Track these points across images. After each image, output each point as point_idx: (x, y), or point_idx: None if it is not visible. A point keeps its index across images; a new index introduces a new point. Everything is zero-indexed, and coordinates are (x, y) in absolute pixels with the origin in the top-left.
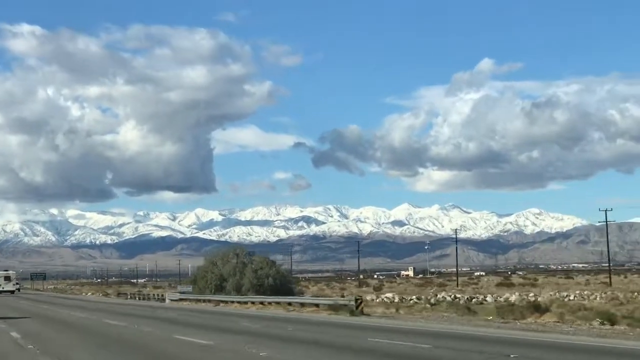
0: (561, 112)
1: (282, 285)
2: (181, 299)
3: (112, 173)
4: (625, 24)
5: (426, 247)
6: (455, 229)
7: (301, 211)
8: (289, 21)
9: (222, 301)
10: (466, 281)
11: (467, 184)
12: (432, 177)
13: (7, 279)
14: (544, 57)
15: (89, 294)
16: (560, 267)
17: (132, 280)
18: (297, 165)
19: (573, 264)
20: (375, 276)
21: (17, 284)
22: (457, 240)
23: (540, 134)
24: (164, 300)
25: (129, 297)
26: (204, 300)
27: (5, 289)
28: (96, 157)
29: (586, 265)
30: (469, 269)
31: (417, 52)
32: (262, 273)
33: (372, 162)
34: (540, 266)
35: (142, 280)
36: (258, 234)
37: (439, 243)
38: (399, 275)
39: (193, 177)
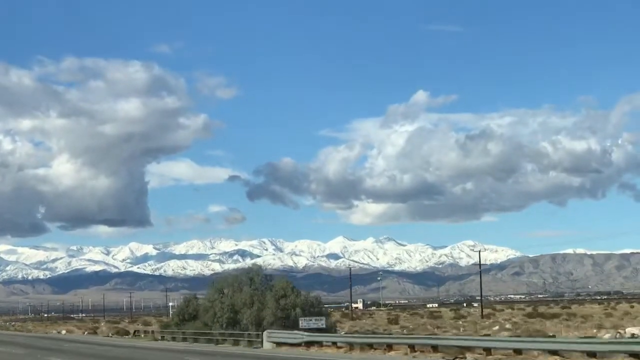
0: (495, 144)
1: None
2: (308, 343)
3: (44, 207)
4: (557, 57)
5: (378, 278)
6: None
7: (236, 244)
8: (224, 53)
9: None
10: (465, 313)
11: (402, 216)
12: (367, 210)
13: None
14: (478, 89)
15: (63, 331)
16: (498, 299)
17: (72, 316)
18: (231, 198)
19: (509, 295)
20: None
21: None
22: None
23: (475, 166)
24: (258, 343)
25: (141, 335)
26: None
27: None
28: (28, 191)
29: (522, 296)
30: (406, 301)
31: (352, 84)
32: (287, 303)
33: (307, 195)
34: (488, 297)
35: (82, 315)
36: (193, 268)
37: (374, 276)
38: (347, 308)
39: (127, 211)
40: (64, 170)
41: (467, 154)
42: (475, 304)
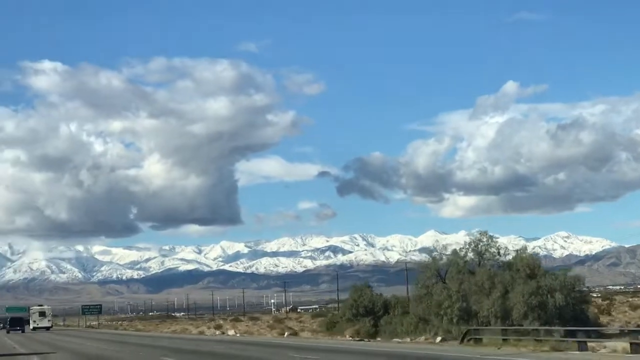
0: (587, 134)
1: (575, 307)
2: None
3: (136, 208)
4: None
5: None
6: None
7: (327, 241)
8: (311, 49)
9: None
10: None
11: (494, 209)
12: (458, 203)
13: (42, 314)
14: (569, 78)
15: (231, 331)
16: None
17: (172, 314)
18: (321, 194)
19: (607, 286)
20: None
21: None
22: None
23: (567, 156)
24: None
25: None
26: None
27: (39, 325)
28: (120, 192)
29: (621, 286)
30: None
31: (440, 76)
32: (542, 285)
33: (397, 189)
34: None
35: (183, 314)
36: (285, 265)
37: None
38: None
39: (218, 210)
40: (154, 171)
41: (559, 144)
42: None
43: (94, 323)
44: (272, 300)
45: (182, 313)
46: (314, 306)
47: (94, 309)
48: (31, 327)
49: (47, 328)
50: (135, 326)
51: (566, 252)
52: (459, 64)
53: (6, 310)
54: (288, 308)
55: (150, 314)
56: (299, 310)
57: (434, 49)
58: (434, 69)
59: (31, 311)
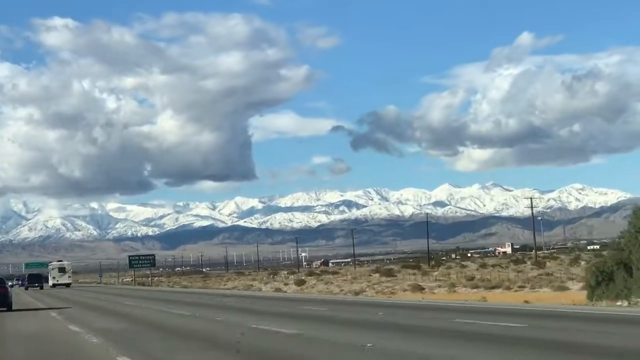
0: (602, 84)
1: None
2: None
3: (150, 164)
4: None
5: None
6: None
7: (341, 195)
8: (324, 2)
9: None
10: None
11: (508, 161)
12: (472, 156)
13: (62, 270)
14: (584, 28)
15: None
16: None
17: (201, 269)
18: (335, 149)
19: None
20: (470, 255)
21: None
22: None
23: (582, 107)
24: None
25: None
26: None
27: (59, 282)
28: (134, 149)
29: None
30: (518, 246)
31: (454, 29)
32: None
33: (411, 142)
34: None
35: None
36: (299, 220)
37: (482, 222)
38: (494, 252)
39: (232, 166)
40: (168, 127)
41: (574, 96)
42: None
43: (127, 280)
44: (304, 254)
45: (208, 268)
46: (347, 259)
47: (145, 261)
48: (50, 283)
49: (67, 285)
50: (179, 283)
51: (581, 204)
52: (473, 16)
53: (25, 266)
54: (319, 262)
55: (178, 269)
56: (330, 264)
57: (448, 1)
58: (449, 21)
59: (50, 267)
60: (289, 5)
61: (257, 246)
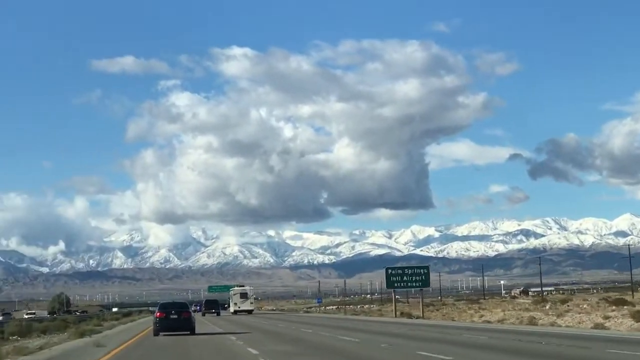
0: None
1: None
2: None
3: (327, 192)
4: None
5: None
6: None
7: (519, 224)
8: (502, 28)
9: None
10: None
11: None
12: None
13: (244, 296)
14: None
15: None
16: None
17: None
18: (513, 177)
19: None
20: None
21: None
22: None
23: None
24: None
25: None
26: None
27: (241, 308)
28: (311, 176)
29: None
30: None
31: (637, 55)
32: None
33: (592, 170)
34: None
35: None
36: (476, 249)
37: None
38: None
39: (408, 194)
40: (344, 155)
41: None
42: None
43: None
44: (502, 282)
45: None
46: (549, 288)
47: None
48: (231, 310)
49: (249, 311)
50: (429, 316)
51: None
52: None
53: (208, 289)
54: (519, 291)
55: (372, 297)
56: (530, 292)
57: (629, 22)
58: (629, 47)
59: (231, 292)
60: (467, 31)
61: (439, 275)
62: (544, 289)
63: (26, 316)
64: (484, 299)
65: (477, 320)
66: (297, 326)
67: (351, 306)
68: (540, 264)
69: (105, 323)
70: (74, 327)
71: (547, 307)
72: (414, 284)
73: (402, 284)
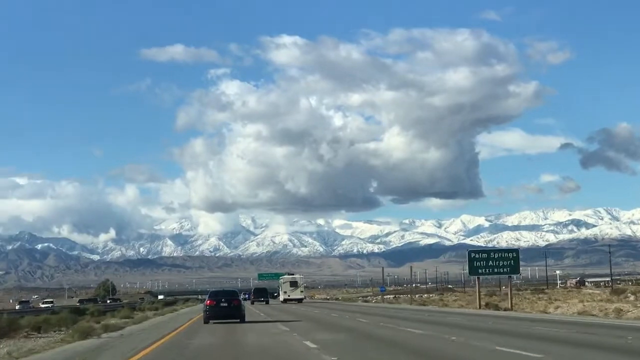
0: None
1: None
2: None
3: (376, 181)
4: None
5: None
6: None
7: (570, 214)
8: (556, 16)
9: None
10: None
11: None
12: None
13: (294, 284)
14: None
15: None
16: None
17: (448, 286)
18: (564, 167)
19: None
20: None
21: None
22: None
23: None
24: None
25: None
26: None
27: (291, 297)
28: (360, 165)
29: None
30: None
31: None
32: None
33: None
34: None
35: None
36: (527, 239)
37: None
38: None
39: (458, 183)
40: (394, 144)
41: None
42: None
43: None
44: (558, 272)
45: (428, 284)
46: (605, 278)
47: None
48: (281, 298)
49: (299, 300)
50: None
51: None
52: None
53: (258, 277)
54: (575, 281)
55: (424, 286)
56: (586, 283)
57: None
58: None
59: (281, 280)
60: (518, 19)
61: None
62: (600, 279)
63: (42, 305)
64: (547, 288)
65: (553, 311)
66: (385, 321)
67: (417, 295)
68: (609, 252)
69: (138, 314)
70: (87, 321)
71: (633, 299)
72: (502, 270)
73: (487, 269)
